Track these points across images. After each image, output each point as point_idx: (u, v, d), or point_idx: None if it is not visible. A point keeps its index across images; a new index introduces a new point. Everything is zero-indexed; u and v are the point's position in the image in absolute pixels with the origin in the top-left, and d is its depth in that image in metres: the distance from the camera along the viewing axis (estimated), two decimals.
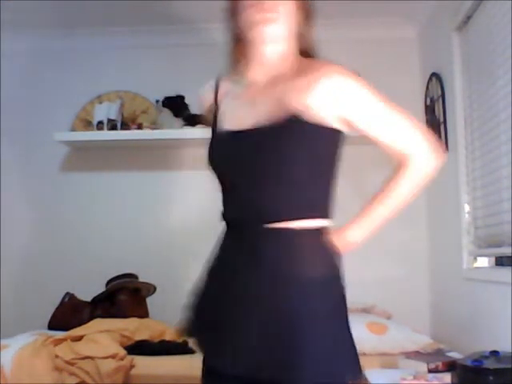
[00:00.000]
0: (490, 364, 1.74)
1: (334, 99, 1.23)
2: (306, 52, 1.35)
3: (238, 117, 1.29)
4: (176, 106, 3.26)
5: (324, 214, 1.28)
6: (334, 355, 1.19)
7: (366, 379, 1.85)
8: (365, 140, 1.30)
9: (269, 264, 1.22)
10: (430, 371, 2.07)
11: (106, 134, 3.24)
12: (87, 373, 2.27)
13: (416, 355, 2.31)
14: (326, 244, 1.27)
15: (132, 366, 2.37)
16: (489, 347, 1.92)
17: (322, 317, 1.20)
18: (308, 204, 1.25)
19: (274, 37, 1.29)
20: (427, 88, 3.12)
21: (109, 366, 2.29)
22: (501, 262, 2.49)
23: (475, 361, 1.77)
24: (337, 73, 1.25)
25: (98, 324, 2.68)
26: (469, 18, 2.57)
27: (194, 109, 3.27)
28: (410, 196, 1.30)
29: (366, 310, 2.97)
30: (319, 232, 1.26)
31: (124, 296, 2.98)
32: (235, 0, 1.31)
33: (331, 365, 1.19)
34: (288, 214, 1.23)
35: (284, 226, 1.22)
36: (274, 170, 1.22)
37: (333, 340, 1.20)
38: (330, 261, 1.27)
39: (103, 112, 3.27)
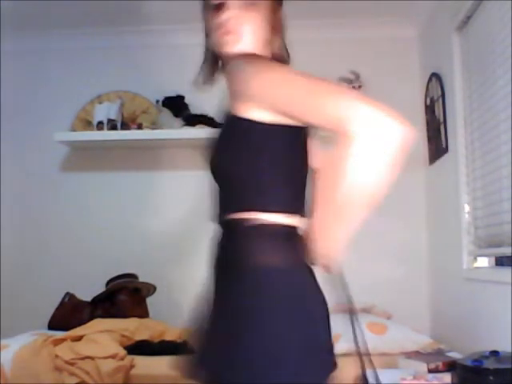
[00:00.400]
0: (489, 364, 1.74)
1: (250, 96, 1.20)
2: (277, 58, 1.36)
3: None
4: (176, 106, 3.26)
5: (274, 209, 1.24)
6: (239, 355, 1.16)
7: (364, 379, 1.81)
8: None
9: (217, 261, 1.30)
10: (429, 371, 2.07)
11: (106, 134, 3.24)
12: (87, 373, 2.27)
13: (416, 355, 2.31)
14: (271, 238, 1.23)
15: (132, 366, 2.37)
16: (489, 347, 1.92)
17: (252, 312, 1.18)
18: (251, 200, 1.25)
19: (241, 53, 1.31)
20: (427, 88, 3.12)
21: (109, 366, 2.29)
22: (501, 261, 2.49)
23: (475, 361, 1.77)
24: (241, 66, 1.22)
25: (98, 324, 2.68)
26: (469, 18, 2.57)
27: (194, 109, 3.27)
28: (380, 179, 1.05)
29: (366, 310, 2.97)
30: (265, 227, 1.23)
31: (124, 296, 2.98)
32: (206, 22, 1.37)
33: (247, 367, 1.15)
34: (234, 209, 1.27)
35: (232, 221, 1.27)
36: (219, 172, 1.30)
37: (263, 338, 1.16)
38: (268, 254, 1.22)
39: (103, 112, 3.27)
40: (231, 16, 1.29)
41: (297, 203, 1.27)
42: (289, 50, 1.40)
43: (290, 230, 1.25)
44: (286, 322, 1.17)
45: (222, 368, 1.17)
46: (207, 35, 1.39)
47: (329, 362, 1.25)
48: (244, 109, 1.21)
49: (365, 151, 1.03)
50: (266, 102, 1.19)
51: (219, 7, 1.31)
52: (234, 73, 1.23)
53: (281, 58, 1.37)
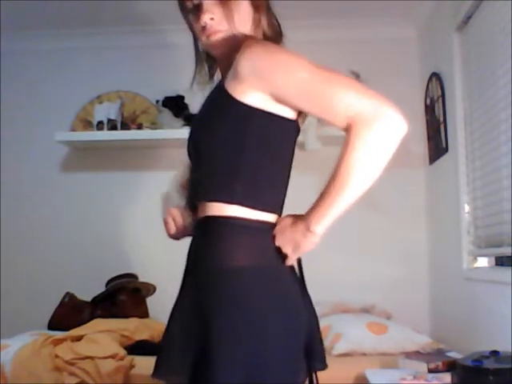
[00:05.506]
0: (489, 364, 1.74)
1: (252, 76, 1.18)
2: (269, 37, 1.34)
3: None
4: (176, 106, 3.26)
5: (242, 202, 1.20)
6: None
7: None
8: None
9: (188, 256, 1.29)
10: (429, 371, 2.07)
11: (106, 134, 3.24)
12: (87, 373, 2.27)
13: (416, 355, 2.31)
14: (231, 233, 1.20)
15: (132, 366, 2.37)
16: (489, 347, 1.91)
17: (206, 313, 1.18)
18: (220, 187, 1.21)
19: (225, 45, 1.29)
20: (427, 88, 3.12)
21: (109, 366, 2.29)
22: (501, 261, 2.49)
23: (475, 361, 1.76)
24: (248, 47, 1.19)
25: (98, 324, 2.68)
26: (469, 18, 2.57)
27: (194, 109, 3.27)
28: (371, 171, 1.11)
29: (366, 310, 2.97)
30: (228, 220, 1.21)
31: (124, 296, 2.98)
32: (189, 25, 1.35)
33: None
34: (202, 196, 1.26)
35: (204, 213, 1.24)
36: (198, 147, 1.28)
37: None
38: (242, 254, 1.19)
39: (103, 112, 3.27)
40: (210, 16, 1.27)
41: (277, 200, 1.24)
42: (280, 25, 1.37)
43: (267, 227, 1.21)
44: (264, 320, 1.15)
45: (195, 372, 1.16)
46: (195, 38, 1.37)
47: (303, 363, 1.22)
48: (241, 90, 1.18)
49: (374, 142, 1.09)
50: (270, 84, 1.16)
51: (197, 9, 1.28)
52: (244, 53, 1.18)
53: (273, 35, 1.35)
